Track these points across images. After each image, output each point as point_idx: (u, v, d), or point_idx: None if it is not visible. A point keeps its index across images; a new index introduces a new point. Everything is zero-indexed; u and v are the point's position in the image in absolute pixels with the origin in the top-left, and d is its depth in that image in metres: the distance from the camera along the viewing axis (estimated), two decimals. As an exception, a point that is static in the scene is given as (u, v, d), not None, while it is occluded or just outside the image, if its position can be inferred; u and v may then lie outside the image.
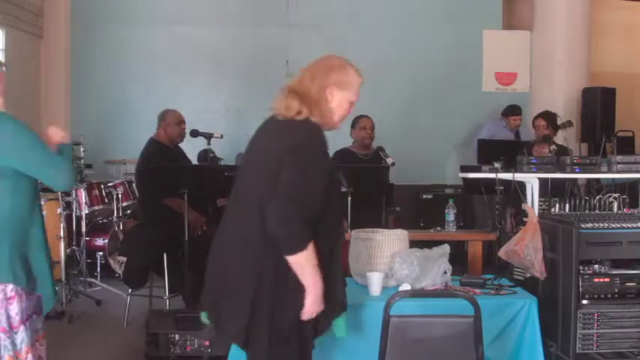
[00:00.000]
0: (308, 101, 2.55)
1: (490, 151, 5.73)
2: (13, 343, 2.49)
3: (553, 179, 4.08)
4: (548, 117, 6.27)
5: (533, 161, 4.10)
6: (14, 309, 2.48)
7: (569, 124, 6.90)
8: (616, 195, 3.84)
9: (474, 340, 2.52)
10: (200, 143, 5.87)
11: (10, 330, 2.48)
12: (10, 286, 2.47)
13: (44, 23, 7.87)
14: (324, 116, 2.59)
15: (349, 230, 4.16)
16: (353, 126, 5.53)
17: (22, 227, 2.55)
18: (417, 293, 2.60)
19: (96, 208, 6.31)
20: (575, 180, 4.31)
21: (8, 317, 2.48)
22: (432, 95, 8.25)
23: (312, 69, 2.66)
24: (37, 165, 2.51)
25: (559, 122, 6.76)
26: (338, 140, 5.74)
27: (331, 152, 5.52)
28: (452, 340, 2.55)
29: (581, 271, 3.39)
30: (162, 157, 5.11)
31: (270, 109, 2.63)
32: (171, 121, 5.23)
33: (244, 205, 2.50)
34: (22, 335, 2.50)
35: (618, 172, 4.06)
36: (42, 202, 2.77)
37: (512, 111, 7.55)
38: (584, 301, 3.37)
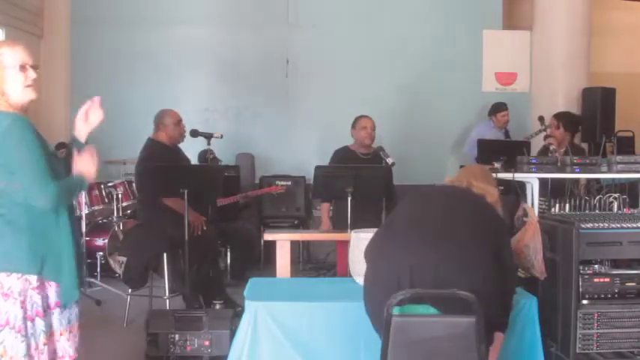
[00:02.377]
0: None
1: (490, 151, 5.72)
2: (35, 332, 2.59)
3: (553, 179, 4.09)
4: (562, 118, 6.14)
5: (533, 161, 4.10)
6: (36, 299, 2.57)
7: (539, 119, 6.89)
8: (616, 195, 3.83)
9: (475, 340, 2.52)
10: (200, 143, 5.87)
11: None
12: (34, 277, 2.57)
13: (44, 23, 7.87)
14: None
15: (349, 230, 4.16)
16: (353, 126, 5.46)
17: (41, 221, 2.59)
18: (417, 293, 2.59)
19: (96, 208, 6.31)
20: (576, 180, 4.31)
21: (33, 305, 2.57)
22: (431, 95, 8.25)
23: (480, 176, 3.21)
24: (23, 180, 2.53)
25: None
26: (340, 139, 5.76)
27: (331, 152, 5.56)
28: (454, 339, 2.54)
29: (581, 271, 3.38)
30: (161, 157, 5.10)
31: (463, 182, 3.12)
32: (170, 122, 5.21)
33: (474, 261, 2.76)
34: (43, 323, 2.60)
35: (618, 172, 4.07)
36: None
37: (499, 108, 7.54)
38: (584, 301, 3.37)
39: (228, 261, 6.45)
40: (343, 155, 5.42)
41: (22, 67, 2.63)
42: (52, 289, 2.63)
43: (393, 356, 2.53)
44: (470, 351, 2.53)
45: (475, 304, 2.52)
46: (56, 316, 2.67)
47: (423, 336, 2.56)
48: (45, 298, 2.61)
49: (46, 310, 2.62)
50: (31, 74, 2.65)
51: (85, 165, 2.71)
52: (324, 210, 5.40)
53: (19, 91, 2.62)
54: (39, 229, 2.58)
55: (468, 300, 2.52)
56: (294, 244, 6.68)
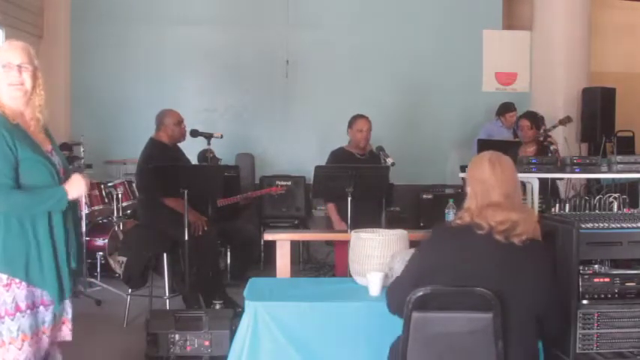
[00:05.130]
0: None
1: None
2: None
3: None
4: (533, 118, 6.32)
5: (533, 161, 4.10)
6: (4, 297, 2.57)
7: (568, 119, 6.92)
8: (616, 195, 3.83)
9: (493, 336, 2.53)
10: (200, 143, 5.87)
11: None
12: (3, 276, 2.57)
13: (44, 23, 7.87)
14: None
15: (349, 230, 4.16)
16: (350, 126, 5.44)
17: (18, 222, 2.59)
18: (437, 289, 2.58)
19: (96, 208, 6.32)
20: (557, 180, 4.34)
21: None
22: (431, 95, 8.25)
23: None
24: None
25: (559, 119, 6.83)
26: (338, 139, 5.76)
27: (327, 153, 5.56)
28: (472, 335, 2.55)
29: (581, 271, 3.38)
30: (162, 157, 5.10)
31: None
32: (171, 122, 5.22)
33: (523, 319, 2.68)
34: (9, 325, 2.58)
35: (618, 172, 4.06)
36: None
37: (507, 108, 7.55)
38: (584, 301, 3.37)
39: (228, 261, 6.45)
40: (339, 156, 5.41)
41: (5, 67, 2.65)
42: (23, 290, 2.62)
43: (411, 351, 2.54)
44: (488, 347, 2.54)
45: (493, 301, 2.52)
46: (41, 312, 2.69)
47: (441, 331, 2.56)
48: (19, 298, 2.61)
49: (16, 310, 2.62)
50: (14, 74, 2.66)
51: (73, 184, 2.74)
52: (332, 210, 5.35)
53: (3, 90, 2.68)
54: (14, 230, 2.59)
55: (486, 297, 2.52)
56: (294, 244, 6.68)
